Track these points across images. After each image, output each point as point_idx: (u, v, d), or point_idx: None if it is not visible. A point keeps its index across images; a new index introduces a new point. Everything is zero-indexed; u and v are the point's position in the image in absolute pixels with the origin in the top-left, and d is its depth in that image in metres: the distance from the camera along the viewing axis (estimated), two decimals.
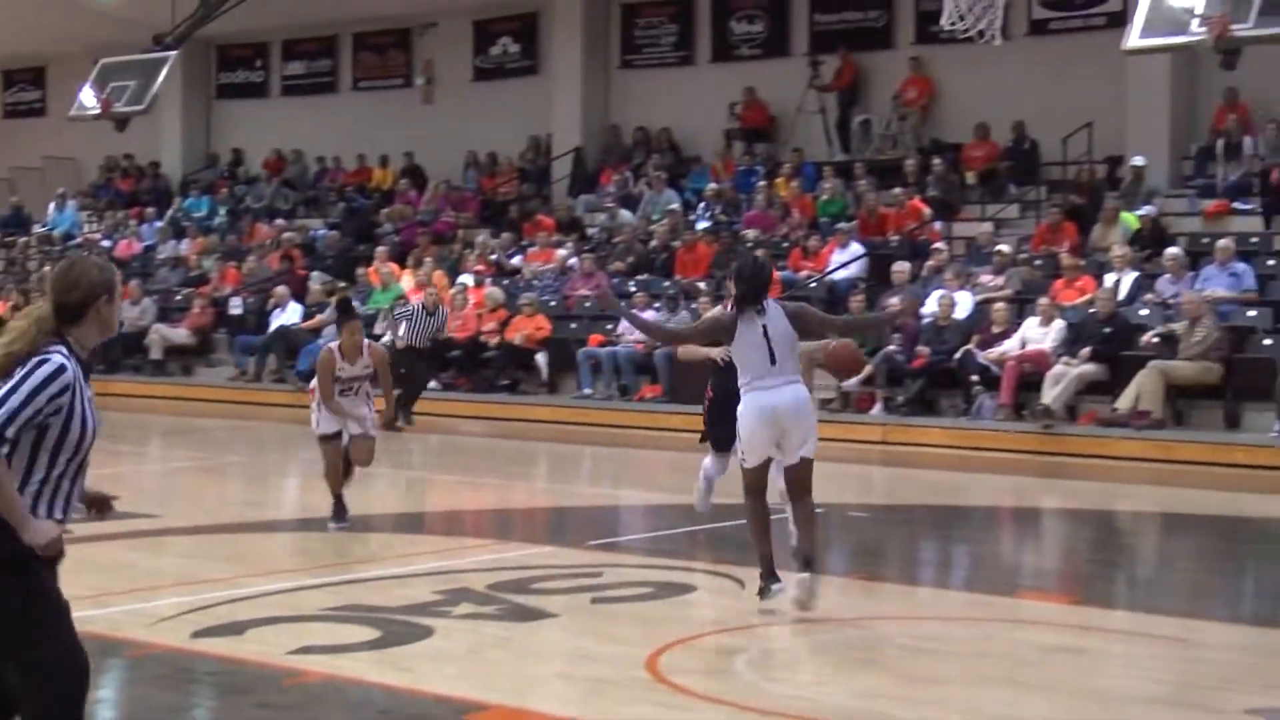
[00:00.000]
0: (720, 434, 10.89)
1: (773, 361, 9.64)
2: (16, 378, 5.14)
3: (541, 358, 22.69)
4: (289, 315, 25.46)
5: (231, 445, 20.84)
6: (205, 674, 8.27)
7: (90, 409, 5.38)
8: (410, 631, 9.00)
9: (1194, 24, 13.97)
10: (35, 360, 5.19)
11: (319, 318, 25.22)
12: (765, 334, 9.67)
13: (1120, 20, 19.76)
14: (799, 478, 9.67)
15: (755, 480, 9.71)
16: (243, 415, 23.47)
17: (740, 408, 9.72)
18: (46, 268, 30.45)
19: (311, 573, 10.92)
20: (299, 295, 25.98)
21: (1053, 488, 16.73)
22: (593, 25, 29.80)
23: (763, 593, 9.46)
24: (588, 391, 22.02)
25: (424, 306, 22.52)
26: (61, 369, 5.21)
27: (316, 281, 26.37)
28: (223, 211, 32.42)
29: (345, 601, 9.81)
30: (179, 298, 28.30)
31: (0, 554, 5.10)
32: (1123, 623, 10.16)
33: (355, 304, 14.89)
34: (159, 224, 32.08)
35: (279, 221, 30.54)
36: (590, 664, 8.50)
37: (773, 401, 9.58)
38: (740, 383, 9.75)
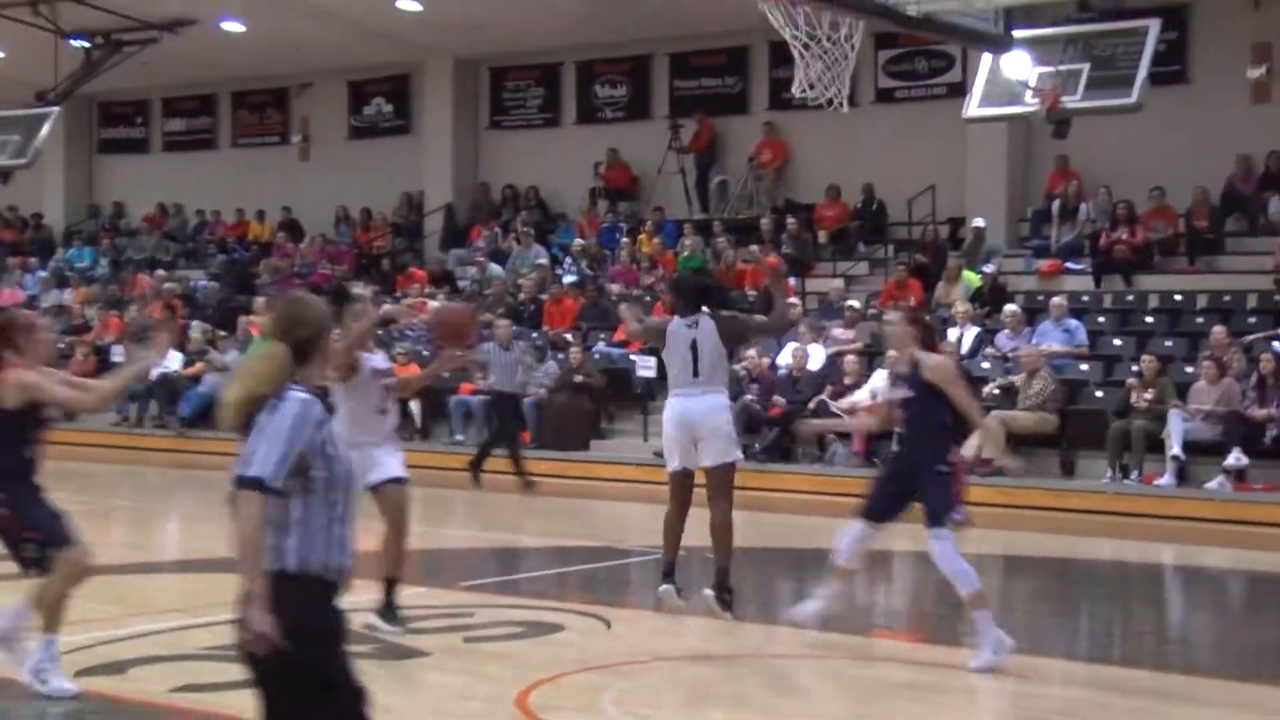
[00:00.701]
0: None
1: (695, 373, 9.91)
2: (269, 422, 4.75)
3: (415, 405, 22.56)
4: (170, 363, 25.11)
5: (115, 489, 20.52)
6: (89, 713, 8.12)
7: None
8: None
9: (1027, 95, 14.20)
10: (278, 401, 4.79)
11: (199, 365, 24.97)
12: (694, 345, 9.93)
13: (960, 90, 20.07)
14: (709, 484, 10.17)
15: (674, 487, 10.23)
16: (125, 460, 23.13)
17: (664, 413, 10.18)
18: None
19: (192, 613, 10.75)
20: (180, 344, 25.63)
21: (902, 531, 16.80)
22: (463, 87, 29.81)
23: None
24: (460, 438, 21.93)
25: (499, 343, 20.43)
26: (312, 404, 4.83)
27: (196, 330, 26.06)
28: (104, 262, 31.99)
29: (225, 641, 9.64)
30: (62, 345, 27.80)
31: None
32: (967, 660, 10.26)
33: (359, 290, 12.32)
34: (42, 273, 31.53)
35: (160, 272, 30.14)
36: (463, 701, 8.46)
37: (689, 409, 9.93)
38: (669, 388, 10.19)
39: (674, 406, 10.04)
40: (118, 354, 26.45)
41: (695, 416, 9.95)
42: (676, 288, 10.40)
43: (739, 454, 10.61)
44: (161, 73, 30.09)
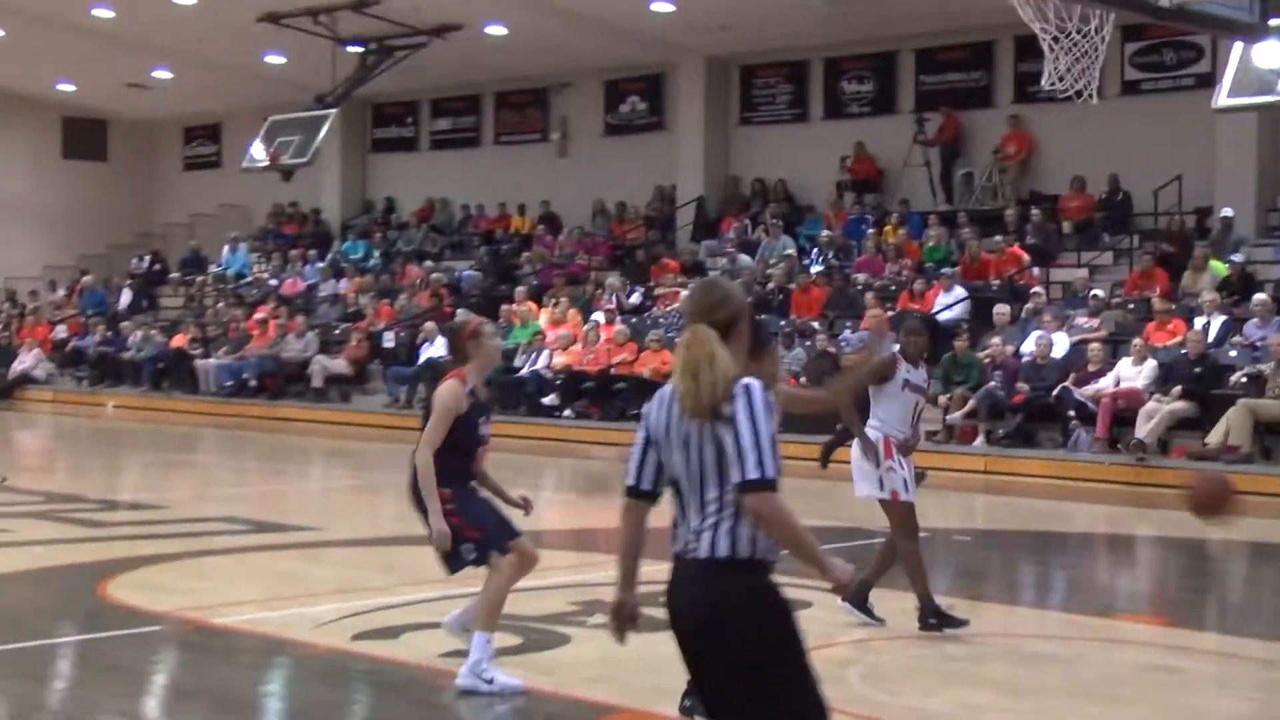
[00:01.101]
0: None
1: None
2: (751, 417, 4.46)
3: None
4: (436, 349, 25.63)
5: (385, 466, 20.93)
6: (363, 673, 8.34)
7: None
8: (549, 638, 9.03)
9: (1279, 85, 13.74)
10: (744, 386, 4.50)
11: None
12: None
13: (1209, 81, 19.52)
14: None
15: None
16: (395, 439, 23.59)
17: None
18: (221, 304, 31.06)
19: (459, 584, 10.95)
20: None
21: (1145, 517, 16.44)
22: (714, 85, 29.86)
23: None
24: None
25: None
26: (765, 389, 4.57)
27: (461, 318, 26.53)
28: (377, 254, 32.76)
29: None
30: (338, 332, 28.62)
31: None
32: (1212, 644, 9.98)
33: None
34: (320, 265, 32.46)
35: (428, 263, 30.86)
36: None
37: None
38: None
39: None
40: (388, 340, 27.15)
41: None
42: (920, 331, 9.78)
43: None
44: (430, 75, 30.71)
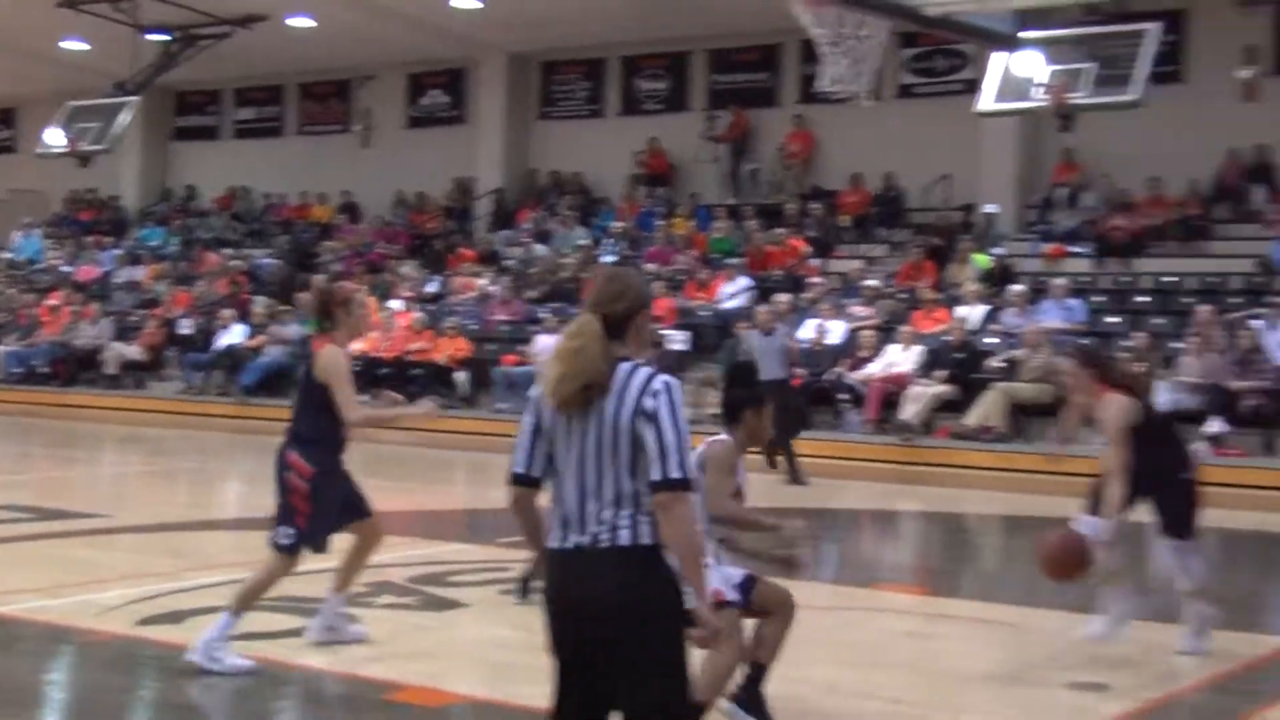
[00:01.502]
0: None
1: None
2: (671, 414, 4.33)
3: (462, 375, 22.60)
4: (234, 335, 25.24)
5: (179, 452, 20.61)
6: (148, 658, 8.16)
7: None
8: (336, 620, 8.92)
9: (1036, 92, 14.14)
10: (661, 385, 4.36)
11: (261, 338, 25.03)
12: None
13: (975, 86, 19.86)
14: None
15: None
16: (190, 425, 23.23)
17: None
18: (12, 290, 30.04)
19: (248, 567, 10.75)
20: (244, 317, 25.75)
21: (911, 493, 16.85)
22: (514, 80, 29.80)
23: None
24: (503, 406, 21.94)
25: (760, 329, 18.16)
26: (678, 384, 4.43)
27: (260, 305, 26.13)
28: (175, 241, 32.06)
29: (277, 593, 9.67)
30: (133, 318, 27.92)
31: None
32: (967, 610, 10.26)
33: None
34: (117, 251, 31.61)
35: (226, 251, 30.28)
36: (499, 650, 8.47)
37: None
38: None
39: None
40: (184, 326, 26.57)
41: None
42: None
43: None
44: (233, 65, 30.15)
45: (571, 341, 4.41)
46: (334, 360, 7.88)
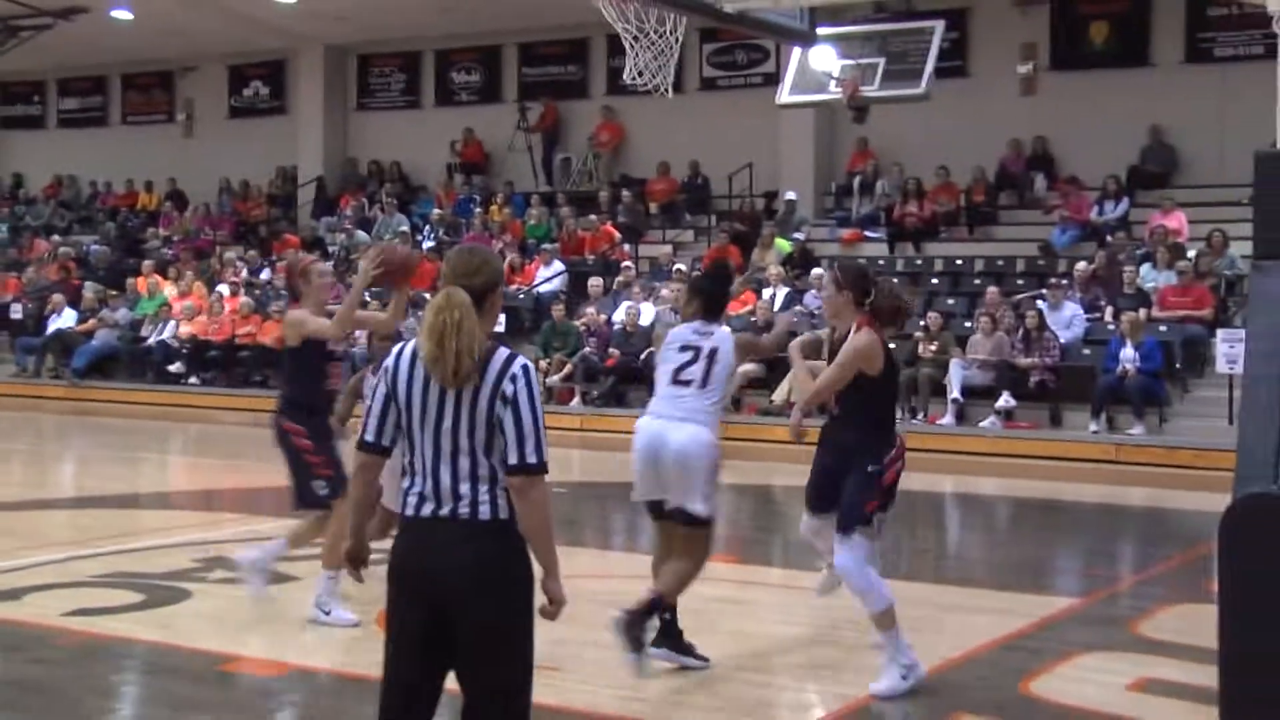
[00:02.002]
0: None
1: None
2: (527, 399, 4.27)
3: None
4: (65, 320, 24.64)
5: (13, 434, 20.03)
6: None
7: None
8: (171, 594, 8.81)
9: (831, 85, 14.36)
10: (515, 369, 4.29)
11: (91, 322, 24.50)
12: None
13: (774, 79, 20.19)
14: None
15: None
16: (23, 408, 22.62)
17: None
18: None
19: (83, 545, 10.58)
20: (74, 302, 25.15)
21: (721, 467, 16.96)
22: (333, 72, 29.44)
23: None
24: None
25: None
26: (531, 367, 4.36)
27: (89, 290, 25.54)
28: (4, 228, 31.12)
29: (113, 570, 9.54)
30: None
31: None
32: (776, 578, 10.45)
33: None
34: None
35: (56, 237, 29.44)
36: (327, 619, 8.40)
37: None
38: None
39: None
40: (15, 311, 25.86)
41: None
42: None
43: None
44: (57, 55, 29.35)
45: (446, 315, 4.25)
46: (296, 318, 8.09)
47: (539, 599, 4.39)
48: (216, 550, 10.20)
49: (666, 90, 12.78)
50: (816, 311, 19.77)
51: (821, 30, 13.82)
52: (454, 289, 4.33)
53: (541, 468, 4.29)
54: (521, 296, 22.53)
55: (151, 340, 23.88)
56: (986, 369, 17.93)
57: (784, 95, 15.35)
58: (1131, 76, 22.55)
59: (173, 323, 23.93)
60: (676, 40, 12.77)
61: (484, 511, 4.29)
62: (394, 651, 4.41)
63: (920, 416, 18.01)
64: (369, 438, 4.43)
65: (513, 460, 4.28)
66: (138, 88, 32.24)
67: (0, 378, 24.70)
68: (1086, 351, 18.12)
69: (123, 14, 27.33)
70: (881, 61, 14.57)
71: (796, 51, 14.73)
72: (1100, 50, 22.94)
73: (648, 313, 20.76)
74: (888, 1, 15.37)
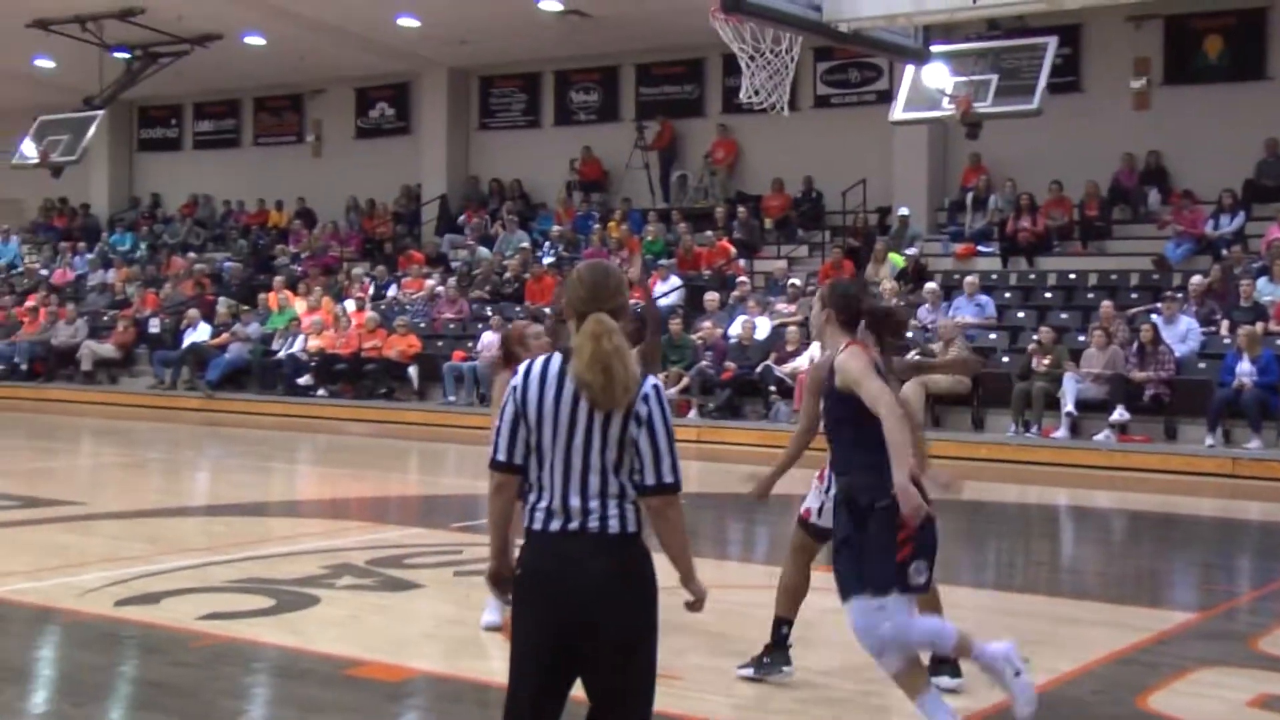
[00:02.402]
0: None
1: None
2: (663, 420, 4.28)
3: (413, 370, 22.55)
4: (199, 334, 25.13)
5: (151, 444, 20.41)
6: (126, 637, 8.09)
7: None
8: (300, 600, 8.89)
9: (945, 102, 14.25)
10: (654, 386, 4.30)
11: (225, 335, 24.95)
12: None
13: (887, 97, 20.07)
14: None
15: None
16: (160, 418, 23.04)
17: None
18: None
19: (217, 551, 10.74)
20: (208, 316, 25.65)
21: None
22: (456, 93, 29.74)
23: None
24: (452, 399, 21.91)
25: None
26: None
27: (223, 305, 26.02)
28: (143, 246, 31.84)
29: (245, 575, 9.67)
30: (106, 318, 27.74)
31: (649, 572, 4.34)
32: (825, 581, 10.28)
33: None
34: (89, 256, 31.41)
35: (191, 254, 30.07)
36: (454, 627, 8.45)
37: None
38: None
39: None
40: (153, 325, 26.44)
41: None
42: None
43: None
44: (193, 80, 29.91)
45: (606, 342, 4.22)
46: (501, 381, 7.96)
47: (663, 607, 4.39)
48: (343, 558, 10.30)
49: (783, 109, 12.74)
50: (930, 326, 19.60)
51: (935, 48, 13.70)
52: (602, 315, 4.28)
53: (678, 486, 4.28)
54: (639, 311, 22.50)
55: (281, 354, 24.25)
56: (1100, 383, 17.63)
57: (897, 112, 15.27)
58: (1246, 90, 22.11)
59: (302, 336, 24.29)
60: (792, 60, 12.72)
61: (613, 525, 4.27)
62: (521, 660, 4.38)
63: (1034, 430, 17.77)
64: (500, 457, 4.38)
65: (650, 480, 4.26)
66: (269, 110, 32.80)
67: (138, 389, 25.25)
68: (1202, 365, 17.76)
69: (256, 40, 27.86)
70: (994, 78, 14.45)
71: (910, 69, 14.63)
72: (1214, 64, 22.51)
73: (763, 327, 20.70)
74: (1001, 19, 15.18)
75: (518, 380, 4.37)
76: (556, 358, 4.33)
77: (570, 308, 4.37)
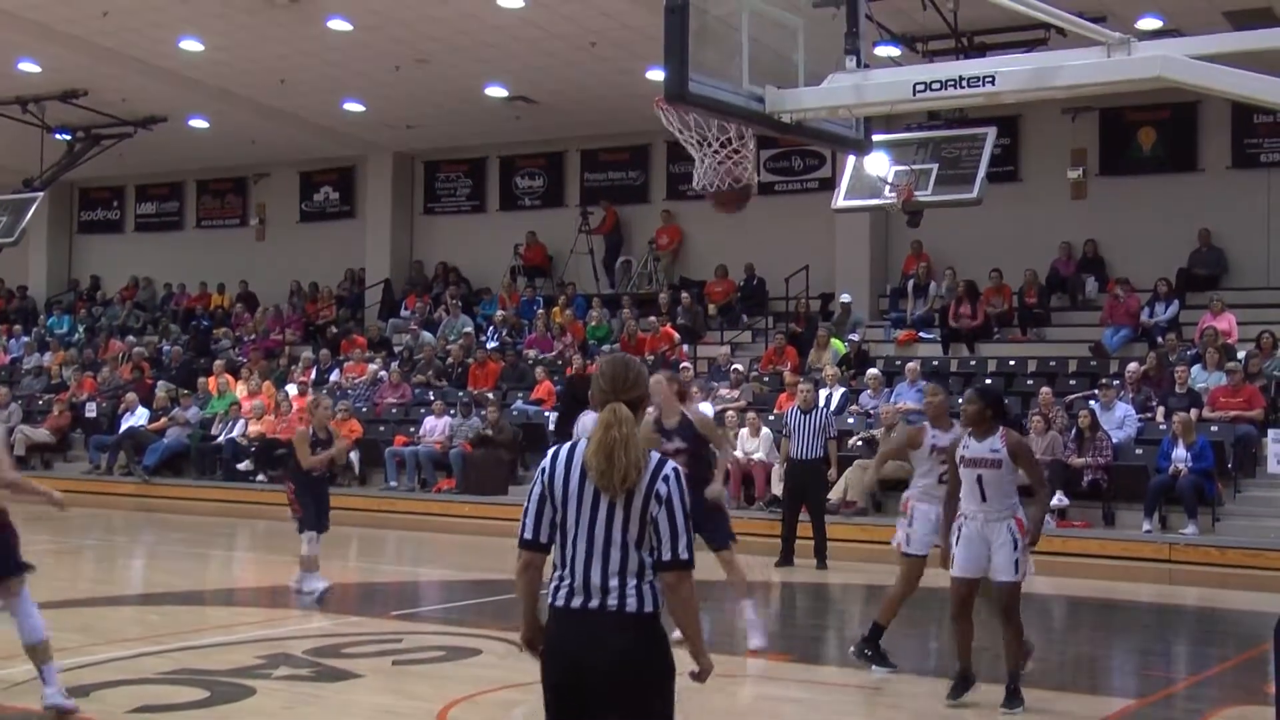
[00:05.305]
0: None
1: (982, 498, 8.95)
2: (677, 499, 4.52)
3: (354, 455, 22.39)
4: (138, 418, 24.88)
5: (85, 530, 20.15)
6: None
7: None
8: (235, 691, 8.79)
9: (886, 190, 14.39)
10: (673, 469, 4.58)
11: (163, 420, 24.72)
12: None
13: (830, 184, 20.32)
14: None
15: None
16: (96, 504, 22.76)
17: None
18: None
19: (151, 641, 10.60)
20: (146, 401, 25.40)
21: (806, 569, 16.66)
22: (400, 177, 29.82)
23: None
24: (393, 484, 21.79)
25: (800, 407, 16.98)
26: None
27: (162, 389, 25.81)
28: (81, 329, 31.58)
29: (179, 666, 9.55)
30: (41, 402, 27.43)
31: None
32: (832, 675, 10.31)
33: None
34: (26, 339, 31.10)
35: (130, 338, 29.87)
36: (390, 717, 8.38)
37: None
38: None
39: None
40: (90, 410, 26.16)
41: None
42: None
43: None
44: (135, 162, 29.86)
45: (615, 432, 4.51)
46: None
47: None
48: (280, 647, 10.19)
49: (750, 193, 12.79)
50: (872, 411, 19.70)
51: (876, 137, 13.81)
52: (618, 405, 4.59)
53: (691, 563, 4.54)
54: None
55: (221, 438, 24.06)
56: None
57: (840, 200, 15.38)
58: (1180, 181, 22.53)
59: (242, 421, 24.13)
60: (744, 145, 12.83)
61: (631, 604, 4.51)
62: (547, 711, 4.62)
63: None
64: (528, 535, 4.64)
65: (666, 557, 4.52)
66: (212, 193, 32.75)
67: (74, 475, 24.92)
68: (1139, 451, 17.92)
69: (200, 123, 27.88)
70: (935, 167, 14.59)
71: (852, 158, 14.77)
72: (1148, 155, 22.93)
73: (706, 411, 20.68)
74: (941, 110, 15.40)
75: (545, 463, 4.66)
76: (582, 443, 4.61)
77: (594, 398, 4.68)
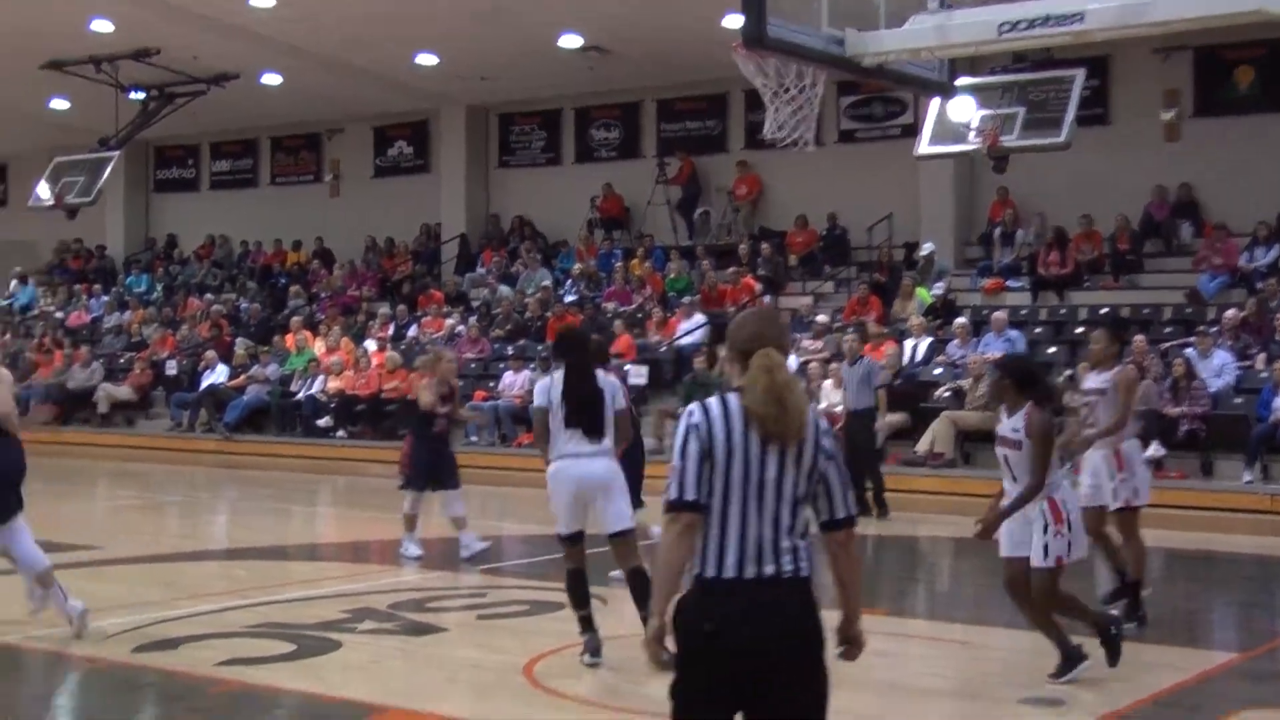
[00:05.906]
0: None
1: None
2: (840, 453, 4.39)
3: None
4: (217, 375, 25.21)
5: (167, 486, 20.49)
6: (144, 684, 8.13)
7: None
8: (320, 645, 8.92)
9: (971, 135, 14.23)
10: (829, 423, 4.46)
11: (242, 377, 25.04)
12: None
13: (913, 131, 20.08)
14: None
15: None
16: (177, 461, 23.14)
17: None
18: (8, 335, 29.88)
19: (236, 595, 10.76)
20: (226, 358, 25.74)
21: (866, 520, 16.72)
22: (474, 131, 29.86)
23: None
24: (474, 439, 21.92)
25: (846, 358, 17.16)
26: None
27: (240, 347, 26.14)
28: (159, 287, 31.99)
29: (264, 620, 9.69)
30: (122, 361, 27.87)
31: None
32: (923, 629, 10.29)
33: None
34: (105, 298, 31.58)
35: (208, 296, 30.22)
36: (476, 671, 8.46)
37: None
38: None
39: None
40: (171, 368, 26.57)
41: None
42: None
43: None
44: (209, 120, 30.09)
45: (779, 375, 4.29)
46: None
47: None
48: (364, 602, 10.31)
49: (807, 144, 12.73)
50: (959, 362, 19.57)
51: (960, 81, 13.71)
52: (771, 350, 4.34)
53: (855, 520, 4.41)
54: (664, 349, 22.57)
55: (300, 395, 24.31)
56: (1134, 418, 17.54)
57: (923, 146, 15.26)
58: (1278, 121, 22.07)
59: (321, 378, 24.36)
60: (816, 95, 12.73)
61: (805, 568, 4.28)
62: (691, 702, 4.33)
63: (1066, 466, 17.65)
64: (690, 496, 4.27)
65: (840, 514, 4.38)
66: (286, 149, 32.98)
67: (156, 432, 25.34)
68: (1238, 400, 17.67)
69: (273, 79, 28.06)
70: (1021, 111, 14.42)
71: (935, 103, 14.63)
72: (1245, 94, 22.48)
73: (790, 364, 20.66)
74: (1027, 51, 15.19)
75: (699, 419, 4.31)
76: (732, 397, 4.32)
77: (734, 349, 4.42)
